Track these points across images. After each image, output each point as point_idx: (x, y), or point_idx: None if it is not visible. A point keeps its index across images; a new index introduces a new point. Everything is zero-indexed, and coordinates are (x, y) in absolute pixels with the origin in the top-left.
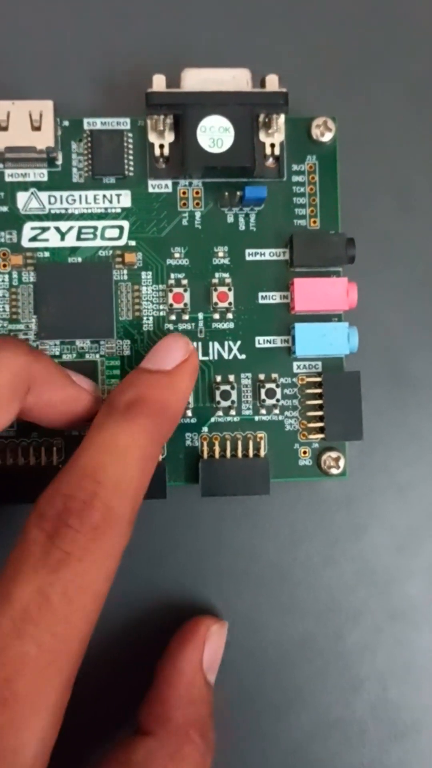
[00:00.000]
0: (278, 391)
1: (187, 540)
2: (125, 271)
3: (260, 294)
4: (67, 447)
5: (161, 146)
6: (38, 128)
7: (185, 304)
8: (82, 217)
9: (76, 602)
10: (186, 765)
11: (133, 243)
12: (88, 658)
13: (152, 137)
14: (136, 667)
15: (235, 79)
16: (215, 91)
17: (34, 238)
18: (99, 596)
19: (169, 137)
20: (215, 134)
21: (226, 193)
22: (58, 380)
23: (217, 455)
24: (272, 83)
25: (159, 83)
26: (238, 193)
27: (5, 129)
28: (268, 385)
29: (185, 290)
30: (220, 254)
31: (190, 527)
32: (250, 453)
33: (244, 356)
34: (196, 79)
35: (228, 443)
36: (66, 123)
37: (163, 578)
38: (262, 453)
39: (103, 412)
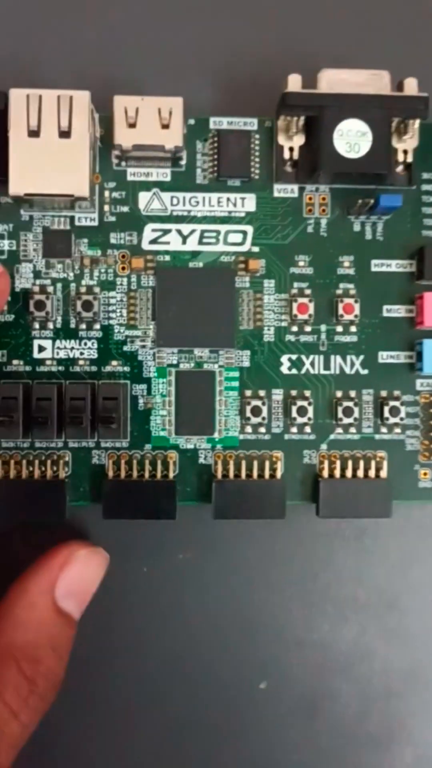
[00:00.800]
0: (402, 409)
1: (298, 560)
2: (247, 279)
3: (385, 307)
4: (74, 459)
5: (290, 149)
6: (167, 126)
7: (309, 315)
8: (204, 220)
9: None
10: (9, 692)
11: (256, 249)
12: None
13: (282, 139)
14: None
15: (373, 81)
16: (355, 93)
17: (154, 241)
18: None
19: (299, 140)
20: (353, 138)
21: (360, 201)
22: None
23: (337, 474)
24: (410, 87)
25: (295, 83)
26: (367, 200)
27: (133, 126)
28: (392, 403)
29: (310, 300)
30: (346, 264)
31: (303, 547)
32: (371, 473)
33: (366, 371)
34: (334, 80)
35: (349, 462)
36: (192, 121)
37: (271, 600)
38: (383, 473)
39: None
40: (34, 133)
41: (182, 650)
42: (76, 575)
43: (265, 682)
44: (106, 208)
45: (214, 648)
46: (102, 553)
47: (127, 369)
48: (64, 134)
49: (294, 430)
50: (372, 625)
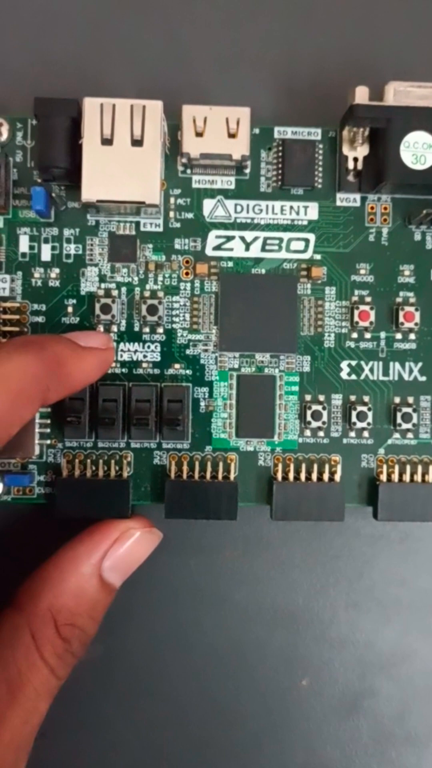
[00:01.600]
0: None
1: (344, 562)
2: (309, 286)
3: None
4: (135, 459)
5: (355, 159)
6: (234, 136)
7: (371, 322)
8: (268, 227)
9: None
10: (47, 650)
11: (318, 257)
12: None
13: (346, 149)
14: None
15: None
16: (423, 106)
17: (218, 247)
18: None
19: (363, 150)
20: (419, 150)
21: (425, 211)
22: (71, 363)
23: (395, 478)
24: None
25: (362, 95)
26: (428, 211)
27: (201, 135)
28: None
29: (371, 308)
30: (406, 273)
31: (349, 549)
32: (428, 478)
33: (424, 378)
34: (400, 93)
35: (407, 467)
36: (256, 131)
37: (316, 599)
38: None
39: None
40: (107, 141)
41: (226, 645)
42: (126, 552)
43: (307, 679)
44: (171, 214)
45: (258, 644)
46: (156, 533)
47: (189, 372)
48: (137, 142)
49: (352, 434)
50: (414, 626)
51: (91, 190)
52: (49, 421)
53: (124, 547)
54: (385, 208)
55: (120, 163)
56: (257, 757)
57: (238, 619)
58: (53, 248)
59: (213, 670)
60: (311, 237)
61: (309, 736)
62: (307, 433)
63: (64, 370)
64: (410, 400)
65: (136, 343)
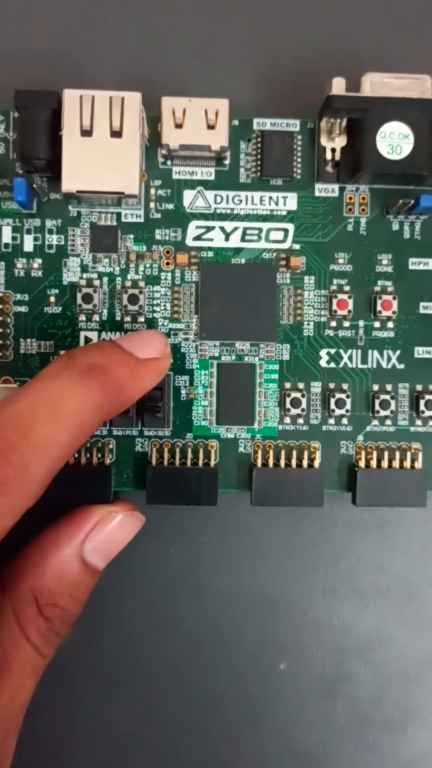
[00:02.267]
0: None
1: (321, 548)
2: (288, 275)
3: (422, 304)
4: (117, 446)
5: (332, 150)
6: (213, 127)
7: (349, 311)
8: (247, 218)
9: None
10: (30, 629)
11: (297, 246)
12: None
13: (324, 140)
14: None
15: (415, 85)
16: (398, 97)
17: (198, 237)
18: None
19: (341, 141)
20: (395, 140)
21: (401, 201)
22: (131, 386)
23: (373, 465)
24: None
25: (339, 86)
26: (408, 200)
27: (180, 126)
28: (427, 396)
29: (349, 297)
30: (384, 262)
31: (327, 535)
32: (406, 464)
33: (402, 366)
34: (377, 84)
35: (385, 453)
36: (236, 122)
37: (294, 584)
38: (418, 464)
39: (60, 364)
40: (86, 133)
41: (205, 630)
42: (107, 535)
43: (285, 663)
44: (152, 205)
45: (237, 628)
46: (138, 517)
47: (170, 360)
48: (116, 134)
49: (332, 421)
50: (391, 611)
51: (71, 181)
52: None
53: (106, 530)
54: (363, 198)
55: (99, 154)
56: (236, 740)
57: (217, 604)
58: (35, 239)
59: (192, 654)
60: (290, 227)
61: (287, 720)
62: (287, 420)
63: (124, 395)
64: (388, 387)
65: (118, 332)
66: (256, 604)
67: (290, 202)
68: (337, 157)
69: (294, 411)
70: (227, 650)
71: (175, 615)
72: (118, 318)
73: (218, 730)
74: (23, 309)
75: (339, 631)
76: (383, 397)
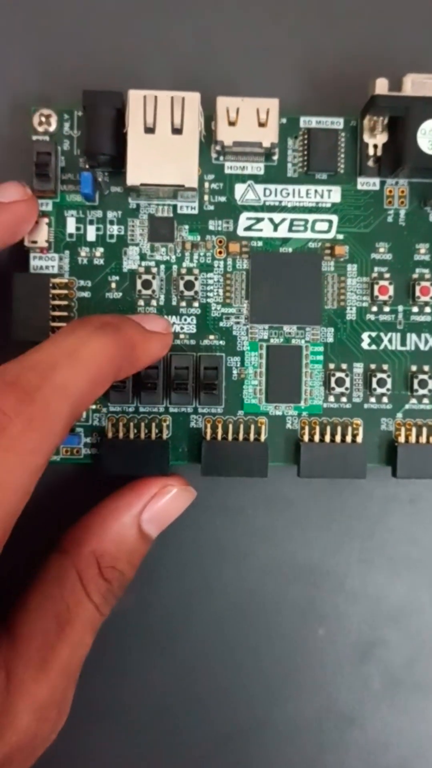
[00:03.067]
0: None
1: (357, 519)
2: (332, 263)
3: None
4: (174, 422)
5: (375, 146)
6: (264, 125)
7: (389, 297)
8: (294, 209)
9: None
10: (92, 589)
11: (340, 236)
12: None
13: (366, 137)
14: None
15: None
16: None
17: (249, 228)
18: (18, 490)
19: (383, 138)
20: None
21: None
22: (140, 346)
23: (412, 440)
24: None
25: (382, 86)
26: None
27: (233, 124)
28: None
29: (390, 283)
30: (422, 251)
31: (363, 508)
32: None
33: None
34: (418, 84)
35: (423, 429)
36: (284, 120)
37: (332, 554)
38: None
39: (76, 322)
40: (149, 130)
41: (248, 596)
42: (163, 506)
43: (323, 628)
44: (206, 198)
45: (278, 595)
46: (191, 491)
47: (222, 343)
48: (176, 131)
49: (373, 400)
50: (423, 581)
51: (135, 175)
52: None
53: (162, 502)
54: (403, 192)
55: (161, 150)
56: (277, 701)
57: (260, 572)
58: (98, 229)
59: (235, 620)
60: (334, 218)
61: (324, 682)
62: (331, 398)
63: (135, 353)
64: (426, 368)
65: (174, 316)
66: (296, 573)
67: (334, 195)
68: (379, 152)
69: (338, 390)
70: (269, 616)
71: (219, 582)
72: (174, 303)
73: (259, 692)
74: (86, 294)
75: (373, 599)
76: (421, 377)
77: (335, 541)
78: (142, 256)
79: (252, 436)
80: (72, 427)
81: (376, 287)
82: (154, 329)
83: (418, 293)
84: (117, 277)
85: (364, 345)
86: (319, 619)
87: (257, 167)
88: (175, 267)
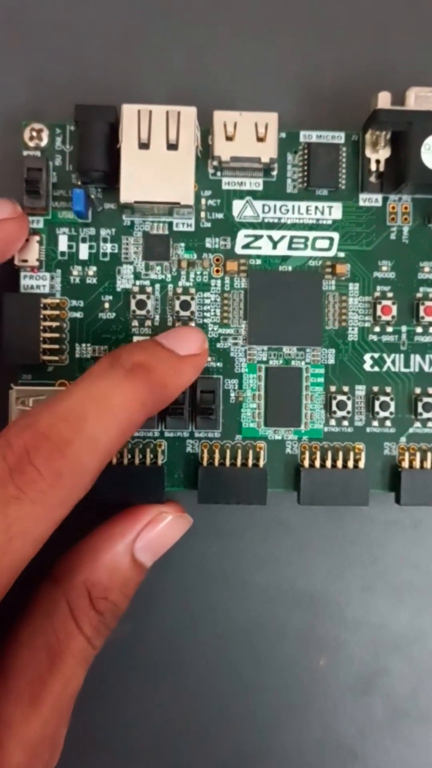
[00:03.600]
0: None
1: (359, 546)
2: (333, 282)
3: None
4: (169, 448)
5: (377, 161)
6: (262, 140)
7: (392, 317)
8: (294, 227)
9: (15, 543)
10: (83, 621)
11: (342, 254)
12: None
13: (368, 152)
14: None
15: None
16: None
17: (247, 246)
18: (38, 542)
19: (385, 153)
20: None
21: None
22: (172, 383)
23: (416, 465)
24: None
25: (385, 100)
26: None
27: (231, 139)
28: None
29: (393, 303)
30: (426, 269)
31: (364, 534)
32: None
33: None
34: (421, 98)
35: (428, 454)
36: (283, 135)
37: (333, 582)
38: None
39: (105, 364)
40: (144, 146)
41: (247, 624)
42: (157, 534)
43: (324, 658)
44: (202, 214)
45: (278, 624)
46: (187, 518)
47: (220, 364)
48: (172, 146)
49: (375, 423)
50: (426, 608)
51: (129, 192)
52: None
53: (157, 530)
54: (406, 208)
55: (156, 166)
56: (276, 732)
57: (259, 599)
58: (90, 247)
59: (234, 648)
60: (335, 236)
61: (325, 713)
62: (332, 422)
63: (167, 392)
64: (430, 390)
65: None
66: (296, 600)
67: (335, 211)
68: (381, 168)
69: (339, 413)
70: (268, 644)
71: (218, 610)
72: (169, 323)
73: (259, 722)
74: (78, 315)
75: (376, 627)
76: (425, 399)
77: (336, 568)
78: (137, 275)
79: (250, 462)
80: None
81: (378, 307)
82: (189, 352)
83: (422, 313)
84: (110, 297)
85: (367, 367)
86: (320, 648)
87: (256, 183)
88: (170, 286)
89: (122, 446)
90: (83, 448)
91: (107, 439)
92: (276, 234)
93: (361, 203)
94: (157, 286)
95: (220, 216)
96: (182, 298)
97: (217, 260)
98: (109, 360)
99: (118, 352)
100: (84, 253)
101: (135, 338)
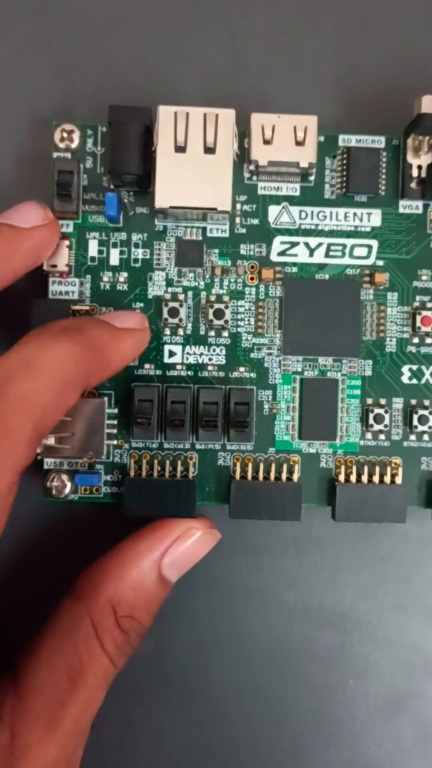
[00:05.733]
0: None
1: (392, 564)
2: (371, 291)
3: None
4: (200, 460)
5: (419, 167)
6: (301, 143)
7: None
8: (331, 234)
9: None
10: (107, 640)
11: (380, 263)
12: None
13: (410, 157)
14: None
15: None
16: None
17: (283, 253)
18: None
19: (427, 159)
20: None
21: None
22: (110, 347)
23: None
24: None
25: (429, 104)
26: None
27: (269, 143)
28: None
29: None
30: None
31: (398, 552)
32: None
33: None
34: None
35: None
36: (321, 138)
37: (364, 600)
38: None
39: (34, 332)
40: (180, 149)
41: (274, 643)
42: (185, 550)
43: (353, 678)
44: (237, 220)
45: (306, 643)
46: (215, 534)
47: (253, 375)
48: (209, 150)
49: (413, 437)
50: None
51: (164, 197)
52: (116, 422)
53: (185, 546)
54: None
55: (193, 170)
56: (303, 755)
57: (287, 618)
58: (121, 252)
59: (261, 667)
60: (374, 243)
61: (354, 735)
62: (369, 436)
63: (105, 355)
64: None
65: (202, 347)
66: (325, 619)
67: (374, 218)
68: (423, 174)
69: (376, 427)
70: (296, 664)
71: (245, 628)
72: (202, 332)
73: (286, 743)
74: None
75: (408, 647)
76: None
77: (368, 586)
78: (169, 282)
79: (284, 476)
80: (92, 463)
81: (418, 317)
82: (126, 326)
83: None
84: (141, 304)
85: (405, 379)
86: (350, 669)
87: (293, 188)
88: (203, 294)
89: (62, 412)
90: (9, 409)
91: (37, 400)
92: (313, 241)
93: (401, 210)
94: (190, 293)
95: (255, 222)
96: (216, 306)
97: (252, 267)
98: (37, 330)
99: (48, 323)
100: (115, 258)
101: (166, 347)
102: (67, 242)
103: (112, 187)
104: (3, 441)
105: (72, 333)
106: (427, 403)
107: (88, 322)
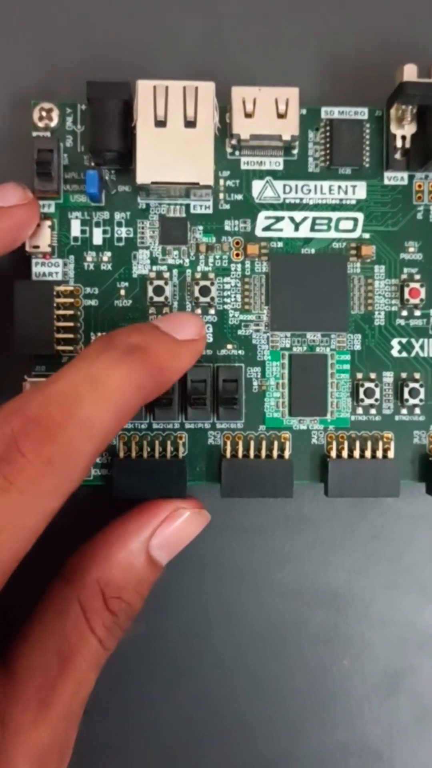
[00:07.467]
0: None
1: (383, 541)
2: (358, 265)
3: None
4: (190, 440)
5: (402, 137)
6: (283, 116)
7: (421, 300)
8: (316, 207)
9: (3, 535)
10: (96, 622)
11: (367, 236)
12: None
13: (394, 128)
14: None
15: None
16: None
17: (267, 228)
18: (30, 535)
19: (411, 129)
20: None
21: None
22: (170, 367)
23: None
24: None
25: (411, 73)
26: None
27: (250, 116)
28: None
29: (421, 285)
30: None
31: (389, 528)
32: None
33: None
34: None
35: None
36: (303, 111)
37: (357, 578)
38: None
39: (100, 345)
40: (160, 123)
41: (268, 623)
42: (174, 531)
43: (348, 659)
44: (221, 196)
45: (299, 622)
46: (205, 515)
47: (241, 352)
48: (190, 124)
49: (404, 411)
50: None
51: (145, 172)
52: None
53: (173, 527)
54: None
55: (173, 145)
56: (299, 735)
57: (280, 597)
58: (104, 232)
59: (255, 648)
60: (360, 216)
61: (349, 714)
62: (359, 410)
63: (165, 375)
64: None
65: None
66: (318, 598)
67: (359, 191)
68: (407, 144)
69: (367, 401)
70: (290, 644)
71: (238, 608)
72: (188, 310)
73: (281, 724)
74: (93, 302)
75: (402, 625)
76: None
77: (360, 564)
78: (153, 261)
79: (275, 453)
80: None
81: (406, 290)
82: (186, 337)
83: None
84: (126, 284)
85: (394, 352)
86: (344, 647)
87: (276, 162)
88: (188, 271)
89: (117, 432)
90: (76, 432)
91: (102, 423)
92: (298, 215)
93: (386, 182)
94: (175, 271)
95: (239, 197)
96: (201, 283)
97: (237, 243)
98: (104, 341)
99: (113, 334)
100: (98, 238)
101: None
102: (48, 222)
103: (92, 164)
104: (66, 464)
105: (139, 354)
106: (417, 376)
107: (153, 338)
